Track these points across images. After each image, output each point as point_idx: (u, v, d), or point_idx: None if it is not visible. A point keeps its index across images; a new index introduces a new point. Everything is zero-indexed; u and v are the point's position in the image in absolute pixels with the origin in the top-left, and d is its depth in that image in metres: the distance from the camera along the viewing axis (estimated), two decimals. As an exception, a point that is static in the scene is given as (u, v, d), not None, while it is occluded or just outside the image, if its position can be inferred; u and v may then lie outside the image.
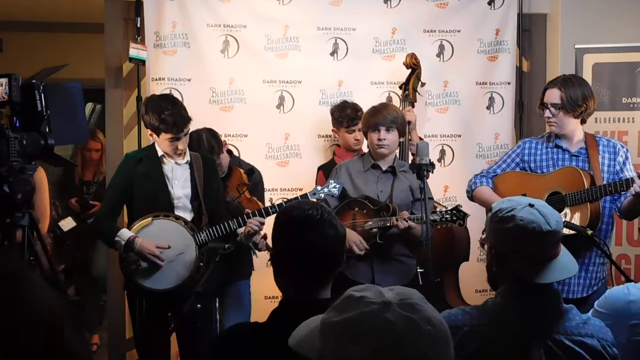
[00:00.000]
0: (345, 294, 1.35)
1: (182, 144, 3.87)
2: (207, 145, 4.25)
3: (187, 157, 3.97)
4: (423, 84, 4.84)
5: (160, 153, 3.92)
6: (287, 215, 2.14)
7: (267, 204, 4.70)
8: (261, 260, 4.46)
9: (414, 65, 4.77)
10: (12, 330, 1.12)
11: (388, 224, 3.88)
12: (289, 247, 2.08)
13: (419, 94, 4.83)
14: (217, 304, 4.38)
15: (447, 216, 3.86)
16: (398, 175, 4.06)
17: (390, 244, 3.98)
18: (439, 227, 4.27)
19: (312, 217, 2.05)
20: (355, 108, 4.64)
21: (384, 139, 4.00)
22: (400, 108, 4.53)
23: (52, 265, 3.28)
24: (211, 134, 4.34)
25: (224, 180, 4.34)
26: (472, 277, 4.76)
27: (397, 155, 4.22)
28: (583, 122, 3.98)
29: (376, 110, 4.09)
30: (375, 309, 1.28)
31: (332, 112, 4.72)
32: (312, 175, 4.68)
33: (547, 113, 3.93)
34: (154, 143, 3.95)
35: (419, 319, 1.26)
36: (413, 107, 4.74)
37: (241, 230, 3.96)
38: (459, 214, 3.86)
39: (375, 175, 4.08)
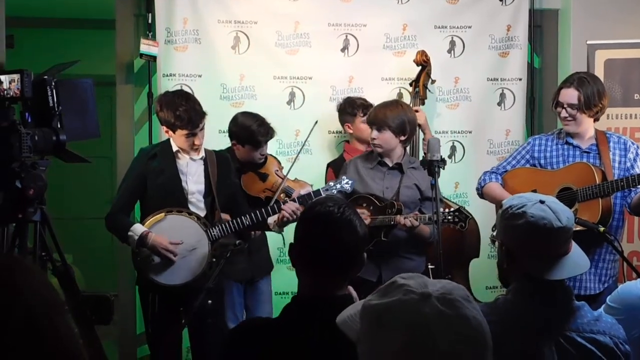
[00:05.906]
0: (393, 278, 1.34)
1: (199, 139, 3.88)
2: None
3: (202, 153, 3.99)
4: (433, 81, 4.84)
5: (175, 148, 3.93)
6: (310, 210, 2.14)
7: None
8: (272, 257, 4.47)
9: (424, 62, 4.77)
10: (3, 319, 1.12)
11: (392, 222, 3.87)
12: (307, 243, 2.07)
13: (429, 90, 4.82)
14: (242, 299, 4.39)
15: (449, 217, 3.82)
16: (406, 173, 4.05)
17: (396, 242, 3.97)
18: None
19: (331, 214, 2.04)
20: (363, 99, 4.69)
21: (375, 138, 4.01)
22: (411, 105, 4.52)
23: (64, 260, 3.28)
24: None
25: (261, 167, 4.35)
26: (483, 274, 4.75)
27: (408, 152, 4.21)
28: (596, 120, 3.99)
29: (379, 106, 4.09)
30: (414, 299, 1.26)
31: (343, 108, 4.71)
32: (323, 171, 4.68)
33: (563, 113, 3.92)
34: (168, 138, 3.96)
35: (455, 315, 1.24)
36: (423, 104, 4.75)
37: (273, 218, 3.94)
38: (461, 216, 3.82)
39: (382, 172, 4.07)
